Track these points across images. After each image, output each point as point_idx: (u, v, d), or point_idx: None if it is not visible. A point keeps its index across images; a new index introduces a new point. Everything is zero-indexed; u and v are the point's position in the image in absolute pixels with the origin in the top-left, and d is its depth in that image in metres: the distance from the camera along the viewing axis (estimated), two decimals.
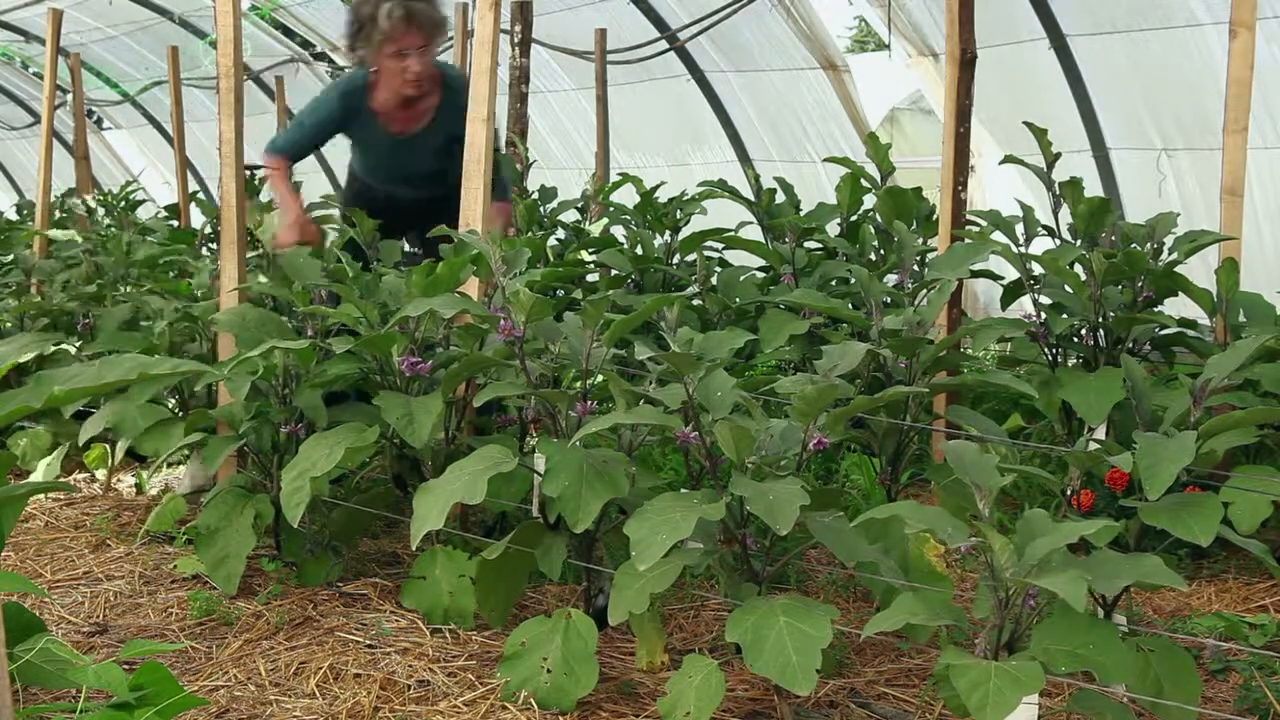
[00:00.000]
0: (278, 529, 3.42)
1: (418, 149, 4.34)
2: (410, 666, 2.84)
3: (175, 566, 3.52)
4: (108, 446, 4.37)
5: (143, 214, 7.46)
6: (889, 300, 3.84)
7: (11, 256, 5.78)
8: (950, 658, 2.15)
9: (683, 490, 2.68)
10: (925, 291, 3.65)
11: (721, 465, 2.62)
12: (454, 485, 2.73)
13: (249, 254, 3.95)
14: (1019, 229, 4.04)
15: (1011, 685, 2.06)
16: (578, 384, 2.93)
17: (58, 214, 6.77)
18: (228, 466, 3.66)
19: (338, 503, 3.50)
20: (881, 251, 4.80)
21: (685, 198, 5.44)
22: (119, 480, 4.50)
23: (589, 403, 2.85)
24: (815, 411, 2.54)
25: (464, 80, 4.27)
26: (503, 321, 2.90)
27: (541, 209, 5.39)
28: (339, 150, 11.94)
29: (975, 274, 4.46)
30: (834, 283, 4.75)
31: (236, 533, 3.29)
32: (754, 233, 5.19)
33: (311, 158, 11.37)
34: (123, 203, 6.67)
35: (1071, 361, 4.02)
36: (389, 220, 4.25)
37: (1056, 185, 4.16)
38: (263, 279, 3.88)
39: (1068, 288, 3.83)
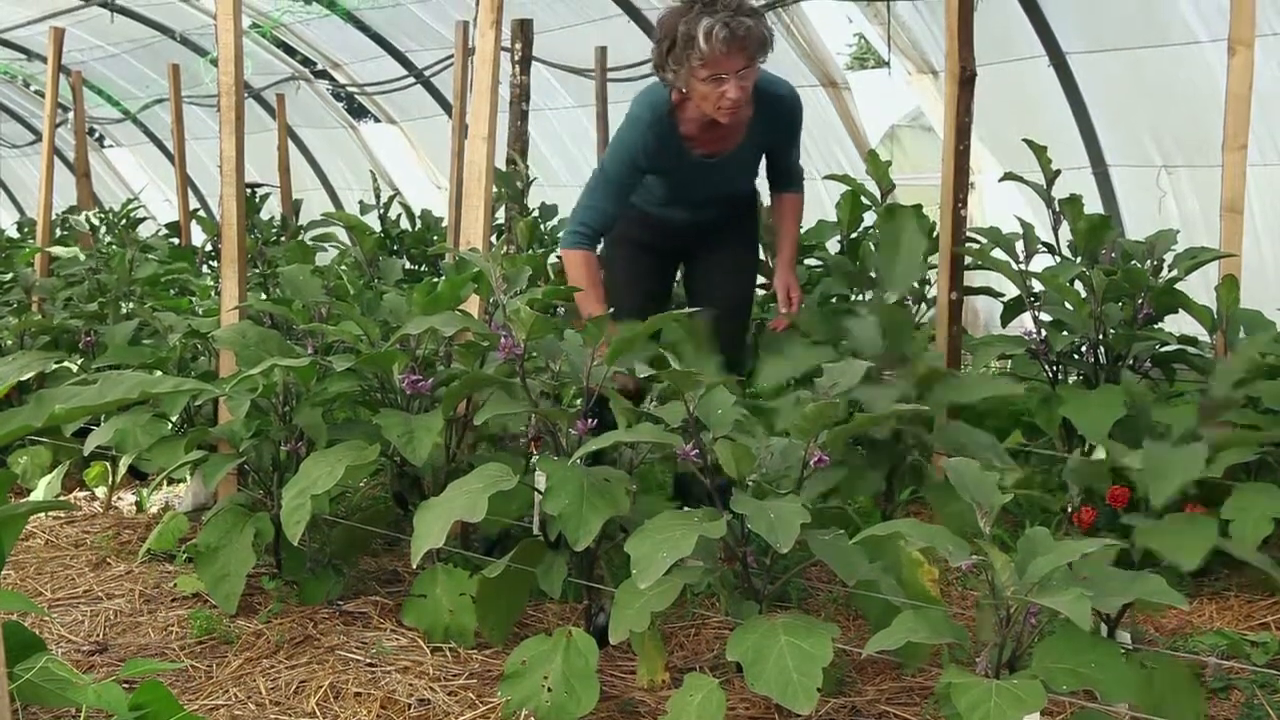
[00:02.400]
0: (278, 547, 3.42)
1: (726, 168, 3.76)
2: (411, 685, 2.84)
3: (175, 585, 3.51)
4: (108, 465, 4.37)
5: (143, 231, 7.47)
6: None
7: (12, 274, 5.78)
8: (951, 676, 2.15)
9: (683, 508, 2.68)
10: (927, 308, 3.65)
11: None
12: (455, 503, 2.72)
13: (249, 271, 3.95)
14: (1019, 246, 4.04)
15: (1013, 704, 2.05)
16: (578, 401, 2.93)
17: (59, 231, 6.77)
18: (228, 484, 3.66)
19: (338, 520, 3.50)
20: None
21: None
22: (119, 498, 4.49)
23: (589, 420, 2.85)
24: (816, 429, 2.54)
25: (776, 88, 3.67)
26: (503, 339, 2.90)
27: (542, 226, 5.40)
28: (339, 164, 11.88)
29: (976, 290, 4.46)
30: (834, 299, 4.75)
31: (237, 551, 3.28)
32: None
33: (310, 173, 11.42)
34: (124, 220, 6.68)
35: (1072, 378, 4.02)
36: (654, 244, 3.81)
37: (1056, 202, 4.17)
38: (263, 296, 3.89)
39: (1068, 305, 3.83)
